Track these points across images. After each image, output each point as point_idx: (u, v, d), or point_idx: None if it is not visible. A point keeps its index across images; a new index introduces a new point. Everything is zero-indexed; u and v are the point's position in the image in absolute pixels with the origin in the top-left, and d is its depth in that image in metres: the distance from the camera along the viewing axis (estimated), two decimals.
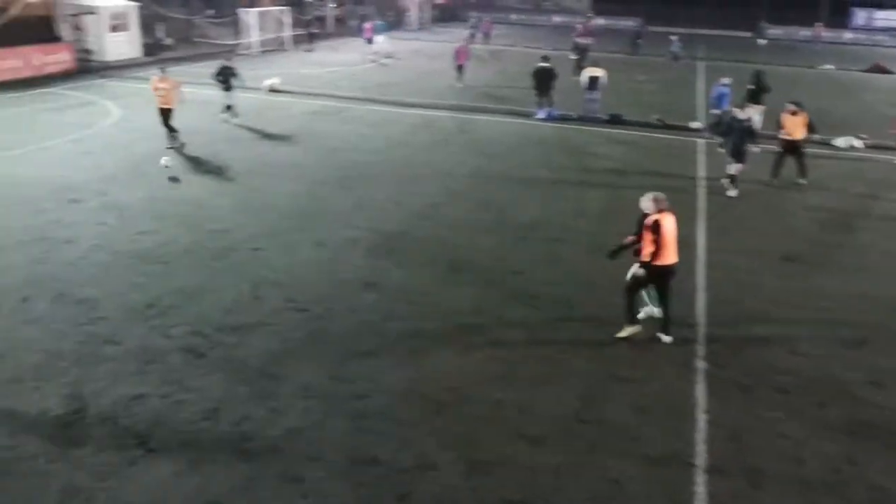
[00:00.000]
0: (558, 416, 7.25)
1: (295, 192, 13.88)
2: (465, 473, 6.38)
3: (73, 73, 26.44)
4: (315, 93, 24.61)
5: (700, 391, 7.74)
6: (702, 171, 16.26)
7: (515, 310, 9.48)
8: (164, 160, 15.07)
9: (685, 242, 10.26)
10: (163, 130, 16.53)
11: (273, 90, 24.10)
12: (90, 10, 28.43)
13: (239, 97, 19.80)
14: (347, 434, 6.81)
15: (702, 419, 7.25)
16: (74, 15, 27.90)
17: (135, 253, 10.74)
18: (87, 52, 28.19)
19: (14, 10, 26.12)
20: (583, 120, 21.44)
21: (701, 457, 6.69)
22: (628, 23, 50.75)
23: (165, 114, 16.66)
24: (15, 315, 8.78)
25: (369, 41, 33.97)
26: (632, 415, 7.32)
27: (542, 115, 21.69)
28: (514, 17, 60.54)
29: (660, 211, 8.29)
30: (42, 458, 6.29)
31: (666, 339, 8.67)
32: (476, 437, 6.88)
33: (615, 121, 21.36)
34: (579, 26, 37.21)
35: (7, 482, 6.00)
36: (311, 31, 37.20)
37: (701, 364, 8.26)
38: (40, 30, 27.73)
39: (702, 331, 9.01)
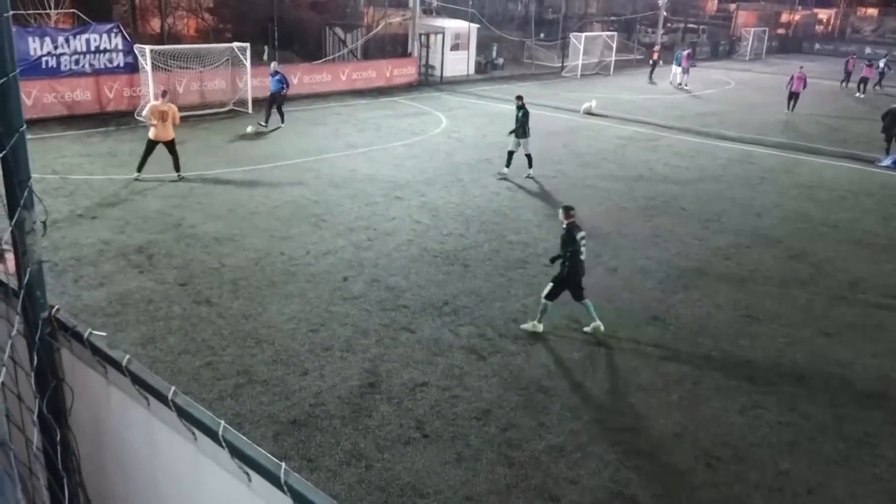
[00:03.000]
0: None
1: (595, 215, 13.93)
2: None
3: (414, 86, 29.65)
4: (629, 118, 24.48)
5: None
6: None
7: (819, 376, 8.45)
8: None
9: None
10: (482, 142, 17.54)
11: (588, 112, 24.48)
12: (439, 30, 31.63)
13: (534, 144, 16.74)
14: (609, 466, 6.66)
15: None
16: (425, 34, 31.25)
17: (440, 252, 11.69)
18: (429, 67, 31.39)
19: (378, 29, 30.09)
20: None
21: None
22: None
23: (164, 144, 14.28)
24: (336, 291, 10.08)
25: (686, 71, 33.00)
26: None
27: (887, 162, 19.19)
28: (868, 50, 54.13)
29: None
30: (338, 420, 7.14)
31: None
32: None
33: None
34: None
35: (307, 432, 6.92)
36: (653, 60, 36.14)
37: None
38: (396, 46, 31.70)
39: None
